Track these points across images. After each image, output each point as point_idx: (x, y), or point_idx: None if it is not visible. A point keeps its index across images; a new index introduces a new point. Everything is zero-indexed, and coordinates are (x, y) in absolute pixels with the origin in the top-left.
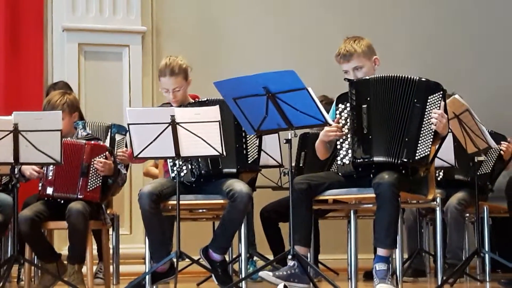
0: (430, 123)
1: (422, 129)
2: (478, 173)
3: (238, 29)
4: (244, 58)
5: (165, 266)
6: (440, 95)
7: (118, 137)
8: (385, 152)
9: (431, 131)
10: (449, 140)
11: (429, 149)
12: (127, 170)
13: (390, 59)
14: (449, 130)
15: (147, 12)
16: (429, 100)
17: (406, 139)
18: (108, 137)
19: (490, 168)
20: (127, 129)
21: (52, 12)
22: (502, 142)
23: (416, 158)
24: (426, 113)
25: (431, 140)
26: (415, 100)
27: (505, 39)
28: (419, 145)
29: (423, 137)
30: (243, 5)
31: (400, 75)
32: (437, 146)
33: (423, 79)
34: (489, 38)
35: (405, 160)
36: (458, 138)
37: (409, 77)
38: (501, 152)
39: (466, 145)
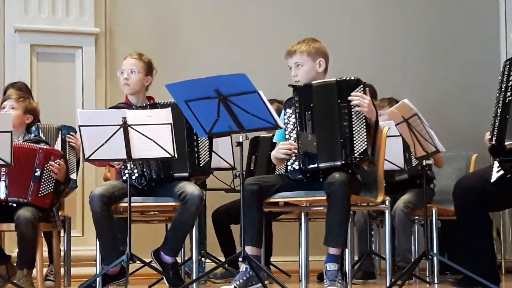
0: (357, 112)
1: (353, 124)
2: (414, 165)
3: (192, 32)
4: (197, 61)
5: (116, 268)
6: (361, 89)
7: (69, 138)
8: (328, 157)
9: (362, 125)
10: (398, 143)
11: (365, 142)
12: (77, 173)
13: (341, 62)
14: (399, 134)
15: (101, 14)
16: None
17: (341, 140)
18: (59, 139)
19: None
20: (77, 130)
21: (4, 12)
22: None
23: (356, 155)
24: (352, 109)
25: (365, 132)
26: (339, 101)
27: (454, 43)
28: (354, 141)
29: (356, 133)
30: (197, 7)
31: (329, 80)
32: (374, 137)
33: (343, 78)
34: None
35: (346, 161)
36: (407, 142)
37: (330, 80)
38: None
39: (415, 148)
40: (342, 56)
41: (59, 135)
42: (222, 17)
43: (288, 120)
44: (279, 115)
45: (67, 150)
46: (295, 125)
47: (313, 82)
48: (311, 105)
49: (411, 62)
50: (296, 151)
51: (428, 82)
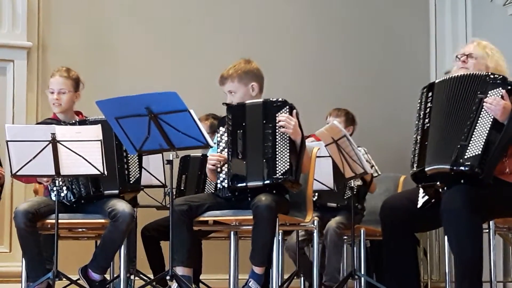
0: (281, 133)
1: (277, 145)
2: (345, 197)
3: (125, 47)
4: (129, 77)
5: (42, 286)
6: (287, 110)
7: None
8: (255, 176)
9: (286, 145)
10: (328, 164)
11: (287, 162)
12: (2, 190)
13: (273, 81)
14: (329, 155)
15: (33, 27)
16: (277, 118)
17: (264, 160)
18: None
19: (355, 190)
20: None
21: None
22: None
23: (278, 175)
24: (277, 130)
25: (288, 153)
26: (264, 122)
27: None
28: (277, 162)
29: (279, 153)
30: (130, 23)
31: (258, 100)
32: (298, 157)
33: (270, 99)
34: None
35: (268, 180)
36: (337, 163)
37: (258, 100)
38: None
39: (344, 169)
40: (275, 74)
41: None
42: (154, 34)
43: (221, 138)
44: (214, 130)
45: None
46: (227, 143)
47: (246, 102)
48: (244, 124)
49: (343, 83)
50: (225, 165)
51: (359, 103)
